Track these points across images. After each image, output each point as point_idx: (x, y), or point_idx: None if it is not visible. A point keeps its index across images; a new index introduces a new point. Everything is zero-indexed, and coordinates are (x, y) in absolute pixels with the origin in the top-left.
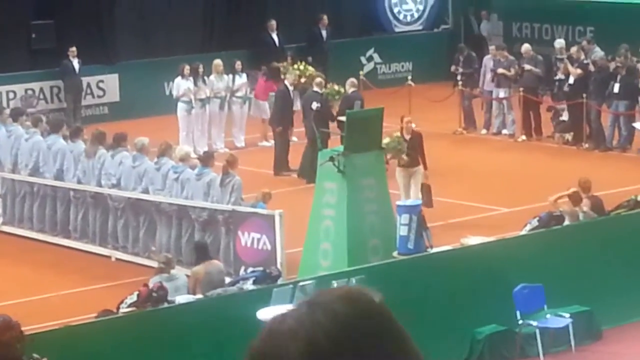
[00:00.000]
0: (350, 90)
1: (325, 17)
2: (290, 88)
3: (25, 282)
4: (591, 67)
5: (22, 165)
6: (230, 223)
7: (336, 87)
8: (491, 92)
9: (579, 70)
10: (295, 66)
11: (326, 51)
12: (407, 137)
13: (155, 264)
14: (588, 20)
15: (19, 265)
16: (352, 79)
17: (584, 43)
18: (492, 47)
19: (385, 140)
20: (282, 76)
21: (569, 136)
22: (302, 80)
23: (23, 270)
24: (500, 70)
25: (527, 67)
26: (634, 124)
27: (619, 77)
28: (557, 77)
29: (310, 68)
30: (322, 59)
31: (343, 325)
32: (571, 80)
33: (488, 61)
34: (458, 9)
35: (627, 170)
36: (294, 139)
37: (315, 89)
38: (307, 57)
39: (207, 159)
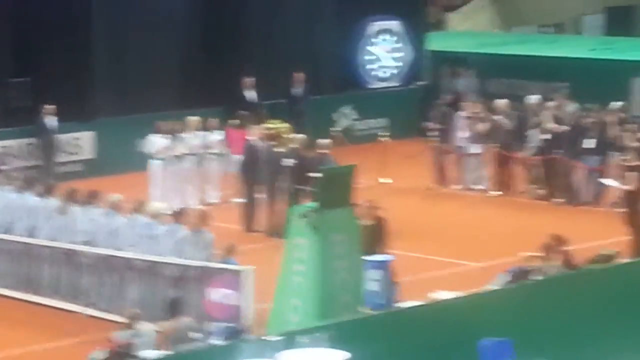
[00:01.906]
0: (318, 149)
1: (302, 74)
2: (255, 143)
3: None
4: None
5: None
6: (201, 279)
7: (283, 126)
8: (463, 147)
9: (563, 127)
10: (272, 123)
11: (303, 109)
12: (368, 223)
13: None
14: (563, 76)
15: None
16: (327, 140)
17: (559, 98)
18: (466, 103)
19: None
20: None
21: (541, 190)
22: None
23: None
24: (479, 127)
25: (502, 122)
26: (602, 180)
27: (592, 133)
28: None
29: (285, 124)
30: (300, 116)
31: None
32: (547, 135)
33: (461, 117)
34: (434, 66)
35: (599, 224)
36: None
37: (292, 145)
38: (282, 115)
39: (179, 215)
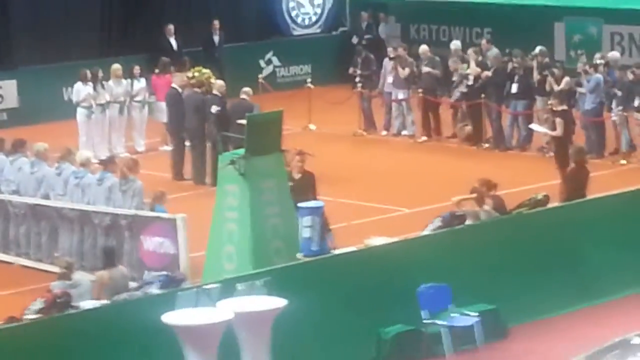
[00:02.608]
0: (241, 96)
1: (217, 22)
2: (180, 90)
3: None
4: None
5: None
6: (133, 228)
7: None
8: (390, 93)
9: (486, 72)
10: (193, 70)
11: (219, 56)
12: (296, 176)
13: (57, 270)
14: (485, 22)
15: None
16: (248, 88)
17: (483, 43)
18: (390, 49)
19: None
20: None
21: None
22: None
23: None
24: (403, 72)
25: (426, 68)
26: (531, 125)
27: (516, 78)
28: (454, 78)
29: (207, 71)
30: (217, 64)
31: None
32: (470, 81)
33: (387, 63)
34: (355, 12)
35: (527, 169)
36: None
37: (215, 92)
38: (203, 62)
39: (108, 163)
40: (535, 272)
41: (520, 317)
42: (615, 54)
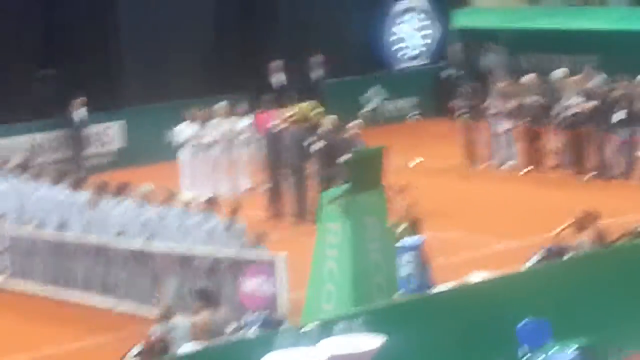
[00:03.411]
0: (351, 132)
1: (320, 56)
2: (280, 127)
3: (29, 335)
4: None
5: (27, 218)
6: (234, 269)
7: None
8: (495, 124)
9: (591, 102)
10: (306, 104)
11: (323, 91)
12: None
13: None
14: (592, 49)
15: (24, 320)
16: (356, 122)
17: (587, 71)
18: (495, 80)
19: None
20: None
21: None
22: (295, 118)
23: (28, 325)
24: (509, 103)
25: (532, 98)
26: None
27: (621, 105)
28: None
29: (316, 105)
30: (320, 99)
31: None
32: (574, 109)
33: (493, 94)
34: (461, 42)
35: (631, 198)
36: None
37: (322, 128)
38: (306, 98)
39: (211, 204)
40: (637, 307)
41: (623, 350)
42: None
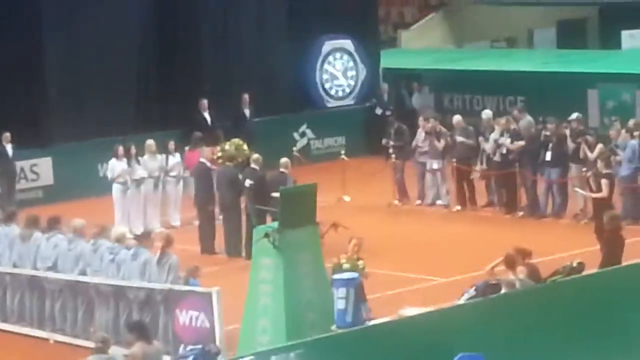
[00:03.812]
0: (280, 169)
1: (246, 96)
2: (208, 164)
3: None
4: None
5: None
6: (168, 302)
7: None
8: (424, 163)
9: (521, 143)
10: (230, 142)
11: (250, 129)
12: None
13: (92, 345)
14: (518, 90)
15: None
16: (286, 159)
17: (515, 112)
18: (421, 119)
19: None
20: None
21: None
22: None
23: None
24: (438, 143)
25: (459, 138)
26: (576, 189)
27: (550, 145)
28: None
29: (241, 143)
30: (248, 137)
31: None
32: (504, 150)
33: (419, 133)
34: (389, 83)
35: (562, 237)
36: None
37: (253, 166)
38: (235, 136)
39: (143, 238)
40: (570, 340)
41: None
42: None
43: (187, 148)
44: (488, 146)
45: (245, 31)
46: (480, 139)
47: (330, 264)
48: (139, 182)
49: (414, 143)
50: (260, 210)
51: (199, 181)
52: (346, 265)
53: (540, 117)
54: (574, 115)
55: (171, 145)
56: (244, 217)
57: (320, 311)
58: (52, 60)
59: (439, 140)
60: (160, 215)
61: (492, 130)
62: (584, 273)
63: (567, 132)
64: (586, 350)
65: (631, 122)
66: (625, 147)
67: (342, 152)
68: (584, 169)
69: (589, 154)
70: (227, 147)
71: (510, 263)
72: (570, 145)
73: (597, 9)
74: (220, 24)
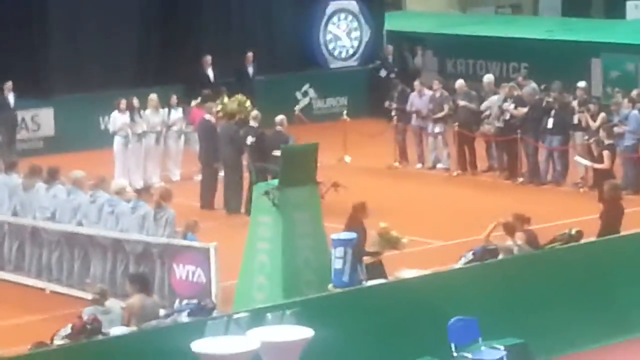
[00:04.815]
0: (277, 128)
1: (250, 53)
2: (212, 121)
3: None
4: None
5: None
6: (165, 256)
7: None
8: (424, 127)
9: (524, 109)
10: (233, 99)
11: (253, 87)
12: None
13: (90, 296)
14: (522, 57)
15: None
16: (281, 117)
17: (519, 79)
18: (417, 82)
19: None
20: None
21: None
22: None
23: None
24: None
25: (462, 102)
26: (576, 158)
27: (552, 113)
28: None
29: (243, 99)
30: (251, 95)
31: None
32: (507, 116)
33: (414, 97)
34: (393, 45)
35: (561, 204)
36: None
37: (252, 123)
38: (237, 93)
39: (142, 192)
40: (566, 307)
41: (550, 352)
42: None
43: (193, 104)
44: (491, 110)
45: None
46: (486, 104)
47: (337, 224)
48: (140, 136)
49: (408, 106)
50: (261, 168)
51: (204, 138)
52: (394, 233)
53: (543, 84)
54: (582, 84)
55: (173, 100)
56: (245, 174)
57: (318, 270)
58: (54, 12)
59: (440, 105)
60: (161, 169)
61: (494, 94)
62: (582, 241)
63: (572, 100)
64: (579, 318)
65: (634, 92)
66: (628, 118)
67: (344, 112)
68: (586, 138)
69: (591, 123)
70: (229, 103)
71: (509, 229)
72: (577, 113)
73: None
74: None
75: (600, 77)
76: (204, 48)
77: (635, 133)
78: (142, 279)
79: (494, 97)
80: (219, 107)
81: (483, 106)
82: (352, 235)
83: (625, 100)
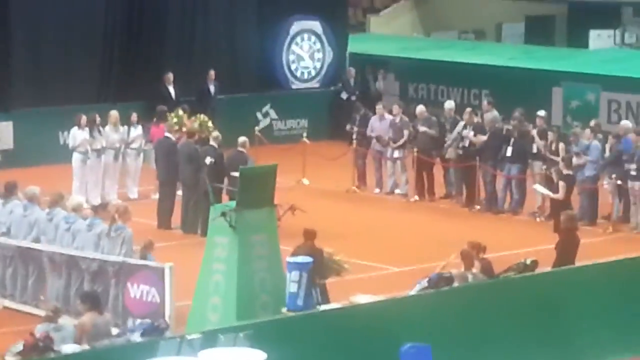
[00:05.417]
0: (238, 148)
1: (212, 72)
2: (172, 139)
3: None
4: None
5: None
6: (120, 274)
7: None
8: (382, 151)
9: (482, 137)
10: (194, 118)
11: (214, 106)
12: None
13: (43, 313)
14: (483, 83)
15: None
16: (244, 139)
17: (484, 105)
18: (379, 107)
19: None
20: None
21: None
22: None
23: None
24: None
25: (422, 128)
26: (535, 186)
27: (512, 141)
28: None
29: (209, 122)
30: (211, 114)
31: None
32: (466, 142)
33: (374, 121)
34: (356, 68)
35: (518, 233)
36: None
37: (212, 143)
38: (198, 112)
39: (99, 209)
40: (520, 337)
41: None
42: (627, 123)
43: (154, 120)
44: (450, 137)
45: (214, 7)
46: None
47: (292, 247)
48: (99, 152)
49: (368, 130)
50: (217, 189)
51: (163, 156)
52: (337, 258)
53: (503, 111)
54: (541, 112)
55: (134, 117)
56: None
57: (273, 293)
58: (16, 26)
59: (402, 132)
60: (118, 187)
61: (454, 120)
62: (537, 271)
63: (532, 128)
64: (532, 349)
65: (592, 123)
66: (589, 148)
67: (304, 134)
68: (544, 167)
69: (549, 152)
70: (190, 122)
71: (465, 257)
72: (537, 142)
73: (566, 7)
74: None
75: (561, 106)
76: (166, 65)
77: (596, 163)
78: (93, 298)
79: (461, 124)
80: (175, 120)
81: (453, 133)
82: (308, 259)
83: (586, 131)
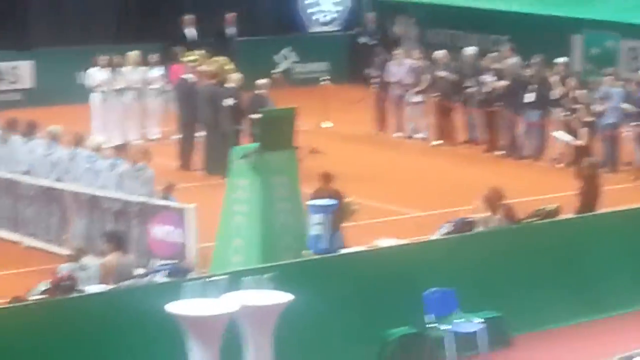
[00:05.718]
0: (257, 90)
1: (232, 15)
2: (190, 80)
3: None
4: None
5: None
6: (142, 215)
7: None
8: (400, 95)
9: (503, 82)
10: (213, 59)
11: (233, 49)
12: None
13: (66, 252)
14: (503, 30)
15: None
16: (264, 81)
17: (505, 50)
18: (398, 51)
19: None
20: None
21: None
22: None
23: None
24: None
25: (442, 73)
26: (555, 133)
27: (532, 87)
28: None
29: (230, 64)
30: (230, 56)
31: None
32: (488, 88)
33: (393, 66)
34: (375, 11)
35: (539, 179)
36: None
37: (231, 84)
38: (217, 54)
39: (120, 150)
40: (542, 283)
41: (525, 327)
42: None
43: (170, 62)
44: (472, 83)
45: None
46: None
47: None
48: (119, 93)
49: (387, 75)
50: (238, 130)
51: (182, 98)
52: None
53: (524, 57)
54: (562, 59)
55: (153, 58)
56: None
57: (295, 235)
58: None
59: (422, 76)
60: (140, 127)
61: (474, 67)
62: (559, 217)
63: (552, 75)
64: (554, 294)
65: (611, 70)
66: (611, 95)
67: (325, 77)
68: (565, 114)
69: (570, 99)
70: (209, 63)
71: (489, 202)
72: (557, 89)
73: None
74: None
75: (581, 53)
76: (185, 7)
77: (618, 110)
78: (118, 237)
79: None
80: (191, 58)
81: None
82: (332, 202)
83: (607, 78)
